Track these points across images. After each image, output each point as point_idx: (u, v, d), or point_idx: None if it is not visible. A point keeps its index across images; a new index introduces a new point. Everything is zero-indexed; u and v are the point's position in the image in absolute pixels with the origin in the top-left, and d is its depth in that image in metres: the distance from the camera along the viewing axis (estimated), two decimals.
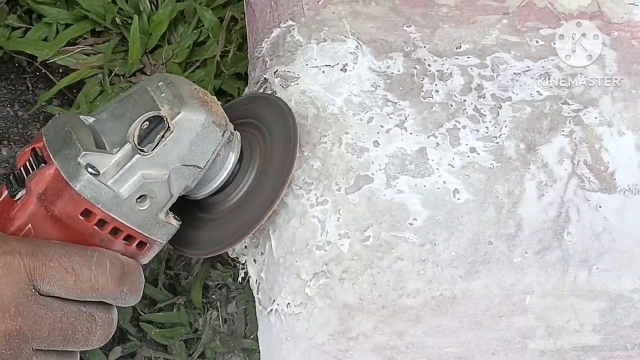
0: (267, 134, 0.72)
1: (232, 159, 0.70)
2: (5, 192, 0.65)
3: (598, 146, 0.74)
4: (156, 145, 0.64)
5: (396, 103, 0.74)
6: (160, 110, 0.64)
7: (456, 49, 0.77)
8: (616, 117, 0.75)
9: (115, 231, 0.64)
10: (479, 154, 0.73)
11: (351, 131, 0.72)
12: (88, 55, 0.98)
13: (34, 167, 0.64)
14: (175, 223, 0.67)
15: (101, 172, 0.62)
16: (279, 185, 0.70)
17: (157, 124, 0.64)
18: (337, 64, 0.75)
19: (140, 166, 0.64)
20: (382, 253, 0.71)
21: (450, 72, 0.75)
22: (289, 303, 0.72)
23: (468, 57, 0.76)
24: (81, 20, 1.00)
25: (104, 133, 0.66)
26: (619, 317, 0.72)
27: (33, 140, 0.66)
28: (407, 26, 0.78)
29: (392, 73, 0.75)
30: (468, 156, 0.73)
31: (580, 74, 0.76)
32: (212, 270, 0.93)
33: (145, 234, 0.66)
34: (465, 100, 0.74)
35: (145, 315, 0.91)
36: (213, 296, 0.93)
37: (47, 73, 0.98)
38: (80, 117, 0.66)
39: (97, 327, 0.64)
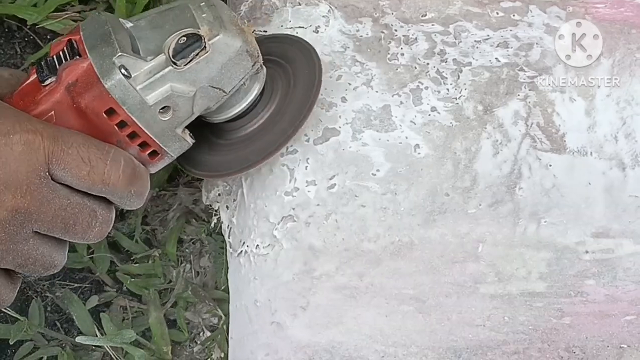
0: (291, 72, 0.75)
1: (255, 90, 0.72)
2: (34, 76, 0.65)
3: (550, 110, 0.77)
4: (189, 61, 0.65)
5: (364, 63, 0.77)
6: (199, 29, 0.66)
7: (422, 16, 0.80)
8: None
9: (133, 135, 0.65)
10: (439, 113, 0.76)
11: (321, 87, 0.76)
12: (75, 21, 0.99)
13: (68, 57, 0.64)
14: (190, 140, 0.68)
15: (132, 76, 0.63)
16: (297, 123, 0.72)
17: (194, 41, 0.65)
18: (310, 25, 0.78)
19: (170, 78, 0.65)
20: (346, 200, 0.75)
21: (416, 38, 0.79)
22: (257, 245, 0.75)
23: (432, 25, 0.79)
24: None
25: (140, 39, 0.67)
26: (564, 266, 0.75)
27: (69, 31, 0.67)
28: None
29: (361, 36, 0.79)
30: (429, 114, 0.76)
31: (537, 44, 0.79)
32: (187, 226, 0.95)
33: (160, 144, 0.67)
34: (428, 64, 0.78)
35: (121, 267, 0.93)
36: (187, 250, 0.95)
37: (35, 38, 1.01)
38: (120, 20, 0.68)
39: (97, 223, 0.65)
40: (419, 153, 0.75)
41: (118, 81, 0.63)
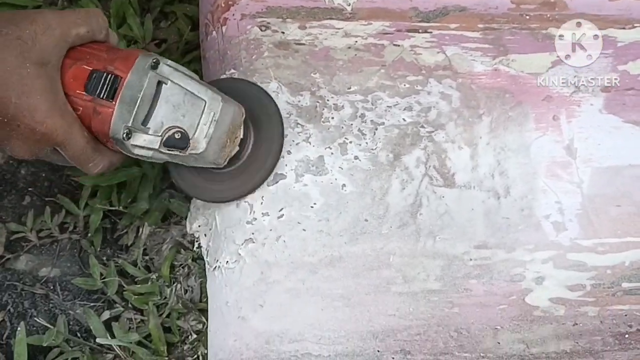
0: (256, 123, 0.86)
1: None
2: (85, 78, 0.73)
3: (444, 156, 0.90)
4: (170, 151, 0.77)
5: (303, 125, 0.90)
6: (195, 132, 0.76)
7: (347, 89, 0.92)
8: (457, 137, 0.91)
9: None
10: (360, 160, 0.89)
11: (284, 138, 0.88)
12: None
13: (108, 87, 0.72)
14: None
15: (130, 139, 0.74)
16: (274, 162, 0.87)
17: (183, 141, 0.76)
18: None
19: (154, 150, 0.77)
20: (292, 226, 0.87)
21: (343, 105, 0.91)
22: (227, 261, 0.87)
23: (355, 95, 0.92)
24: None
25: (160, 104, 0.74)
26: (454, 270, 0.87)
27: (129, 54, 0.74)
28: (313, 74, 0.93)
29: (302, 105, 0.91)
30: (353, 161, 0.89)
31: (434, 107, 0.91)
32: (177, 254, 1.05)
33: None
34: (352, 124, 0.91)
35: (127, 288, 1.05)
36: (178, 273, 1.04)
37: None
38: (169, 71, 0.75)
39: None
40: (345, 190, 0.88)
41: (118, 140, 0.75)
